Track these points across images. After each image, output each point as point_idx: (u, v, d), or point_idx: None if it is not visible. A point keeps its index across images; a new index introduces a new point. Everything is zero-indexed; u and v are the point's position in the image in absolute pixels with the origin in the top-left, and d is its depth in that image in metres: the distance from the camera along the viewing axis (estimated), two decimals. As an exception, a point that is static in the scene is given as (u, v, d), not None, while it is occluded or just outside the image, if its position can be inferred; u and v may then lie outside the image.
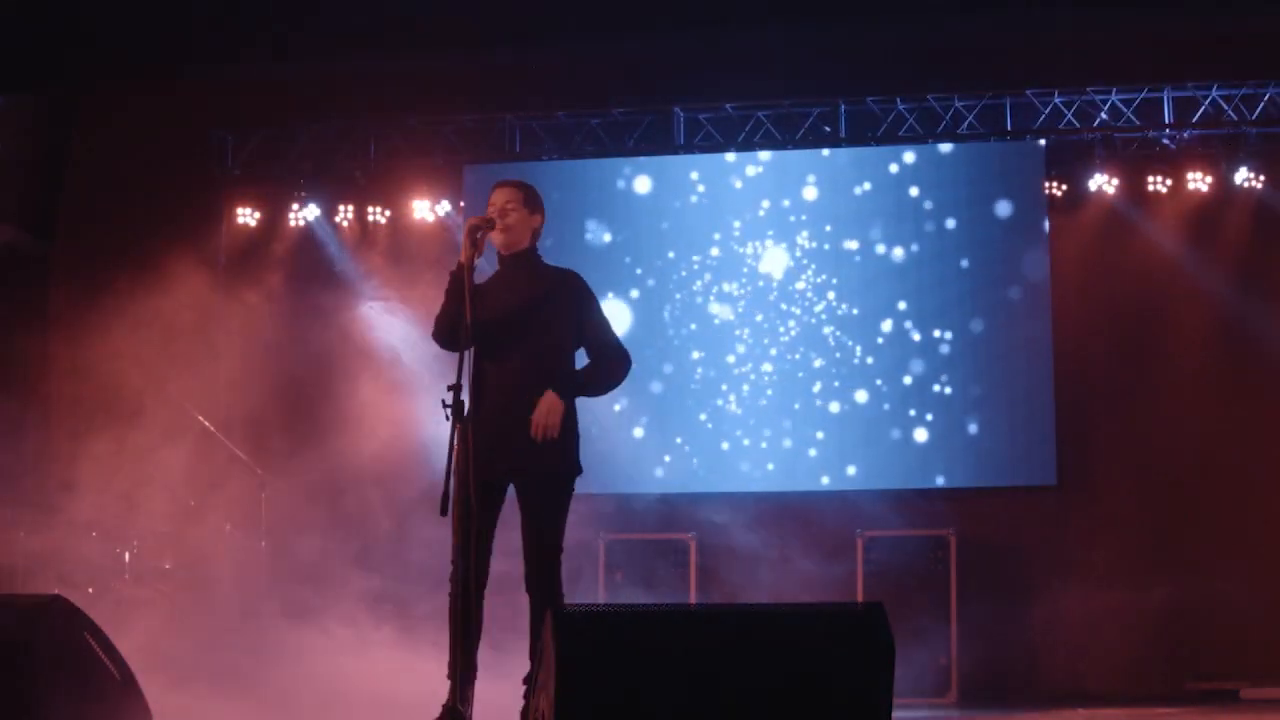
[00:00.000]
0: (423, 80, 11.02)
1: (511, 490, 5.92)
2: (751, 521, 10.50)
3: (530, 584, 5.83)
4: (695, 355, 10.84)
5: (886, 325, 10.62)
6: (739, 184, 10.94)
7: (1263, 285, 10.32)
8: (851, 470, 10.56)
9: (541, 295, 5.90)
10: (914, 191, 10.71)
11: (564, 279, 6.00)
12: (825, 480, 10.57)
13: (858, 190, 10.78)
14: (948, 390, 10.51)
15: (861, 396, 10.60)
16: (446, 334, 5.85)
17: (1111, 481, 10.36)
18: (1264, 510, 10.09)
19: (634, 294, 10.96)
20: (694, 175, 11.01)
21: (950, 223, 10.64)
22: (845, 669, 4.48)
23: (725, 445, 10.73)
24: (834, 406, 10.63)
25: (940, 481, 10.47)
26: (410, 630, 8.58)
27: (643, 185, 11.05)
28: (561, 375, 5.85)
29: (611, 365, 6.00)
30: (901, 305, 10.63)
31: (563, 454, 5.88)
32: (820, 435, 10.62)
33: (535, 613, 5.79)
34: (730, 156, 10.93)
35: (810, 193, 10.84)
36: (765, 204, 10.89)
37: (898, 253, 10.68)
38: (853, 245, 10.73)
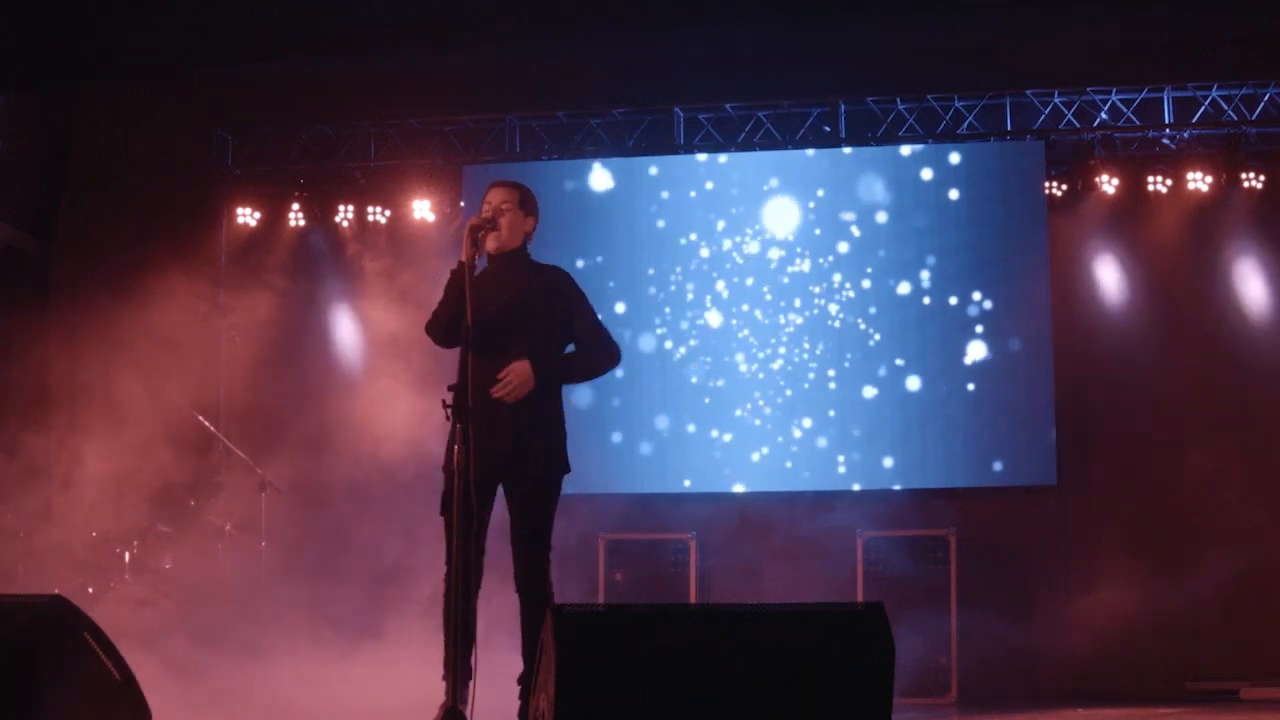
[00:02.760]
0: (423, 80, 11.02)
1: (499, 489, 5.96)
2: (752, 521, 10.51)
3: (520, 583, 5.87)
4: (694, 367, 10.83)
5: (884, 323, 10.61)
6: (710, 184, 10.92)
7: (1263, 285, 10.32)
8: (851, 472, 10.54)
9: (532, 295, 5.94)
10: (912, 193, 10.70)
11: (554, 277, 6.06)
12: (827, 480, 10.56)
13: (855, 181, 10.76)
14: (947, 390, 10.50)
15: (863, 396, 10.58)
16: (444, 331, 5.90)
17: (1111, 481, 10.36)
18: (1264, 510, 10.08)
19: (619, 306, 10.93)
20: (654, 170, 10.96)
21: (949, 223, 10.63)
22: (845, 669, 4.49)
23: (725, 446, 10.72)
24: (835, 408, 10.61)
25: (940, 482, 10.46)
26: (408, 631, 8.58)
27: (610, 197, 10.97)
28: (543, 363, 5.88)
29: (596, 353, 6.05)
30: (898, 306, 10.62)
31: (550, 453, 5.94)
32: (819, 435, 10.61)
33: (525, 612, 5.83)
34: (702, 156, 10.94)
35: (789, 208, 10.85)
36: (735, 192, 10.86)
37: (895, 255, 10.67)
38: (846, 235, 10.73)
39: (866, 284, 10.67)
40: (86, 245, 11.36)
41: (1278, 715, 8.52)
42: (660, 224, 10.93)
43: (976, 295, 10.53)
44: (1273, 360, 10.27)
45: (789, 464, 10.63)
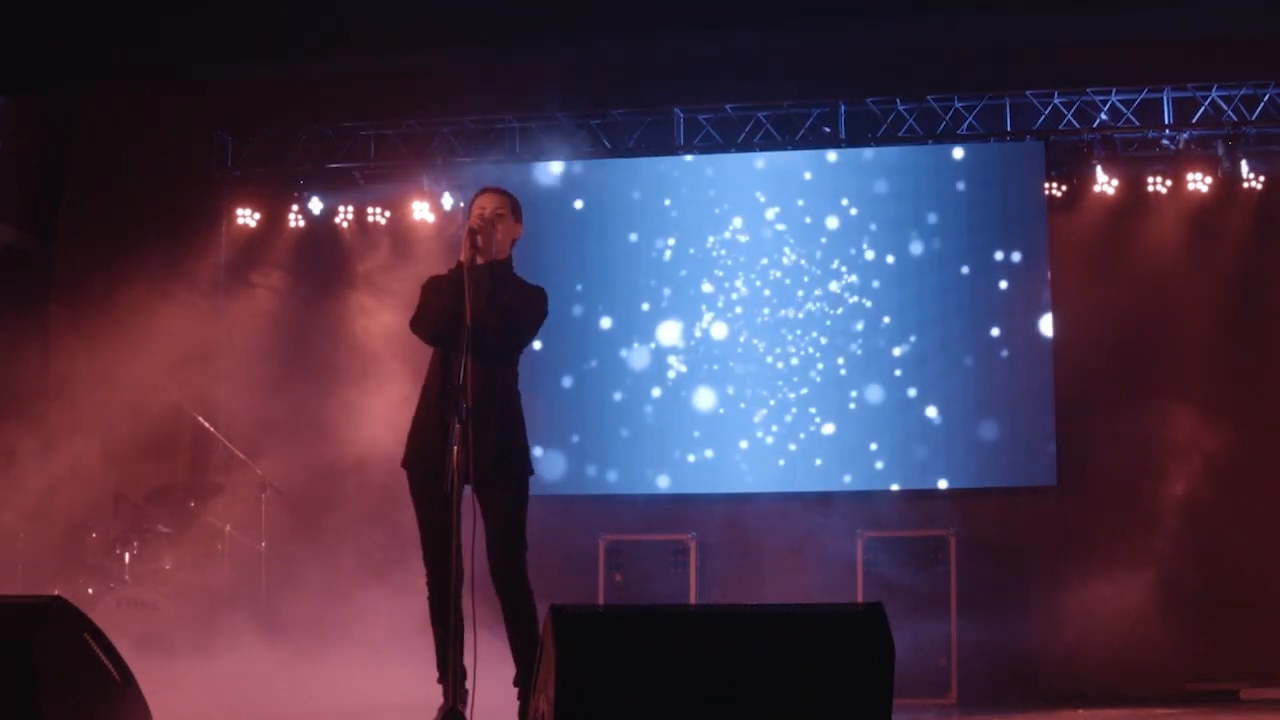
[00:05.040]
0: (423, 80, 11.02)
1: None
2: (751, 522, 10.51)
3: (497, 584, 5.88)
4: (690, 373, 10.84)
5: (883, 325, 10.61)
6: (684, 189, 10.90)
7: (1262, 285, 10.32)
8: (851, 473, 10.53)
9: (511, 306, 5.94)
10: (911, 193, 10.69)
11: (535, 299, 6.06)
12: (827, 480, 10.55)
13: (844, 201, 10.76)
14: (947, 391, 10.49)
15: (862, 397, 10.58)
16: (433, 327, 5.90)
17: (1111, 481, 10.35)
18: (1264, 510, 10.08)
19: (604, 322, 10.94)
20: (618, 174, 10.93)
21: (948, 225, 10.62)
22: (845, 669, 4.48)
23: (727, 446, 10.72)
24: (834, 408, 10.61)
25: (940, 482, 10.46)
26: (409, 632, 8.57)
27: (581, 212, 10.91)
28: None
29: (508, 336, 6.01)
30: (898, 306, 10.61)
31: (519, 455, 5.95)
32: (820, 436, 10.60)
33: (508, 614, 5.85)
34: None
35: (773, 213, 10.84)
36: (712, 190, 10.85)
37: (893, 257, 10.66)
38: (843, 239, 10.73)
39: (868, 285, 10.68)
40: (86, 245, 11.36)
41: (1277, 715, 8.51)
42: (633, 237, 10.92)
43: (976, 296, 10.53)
44: (1273, 361, 10.27)
45: (789, 465, 10.62)
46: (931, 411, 10.50)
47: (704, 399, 10.76)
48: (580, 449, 10.67)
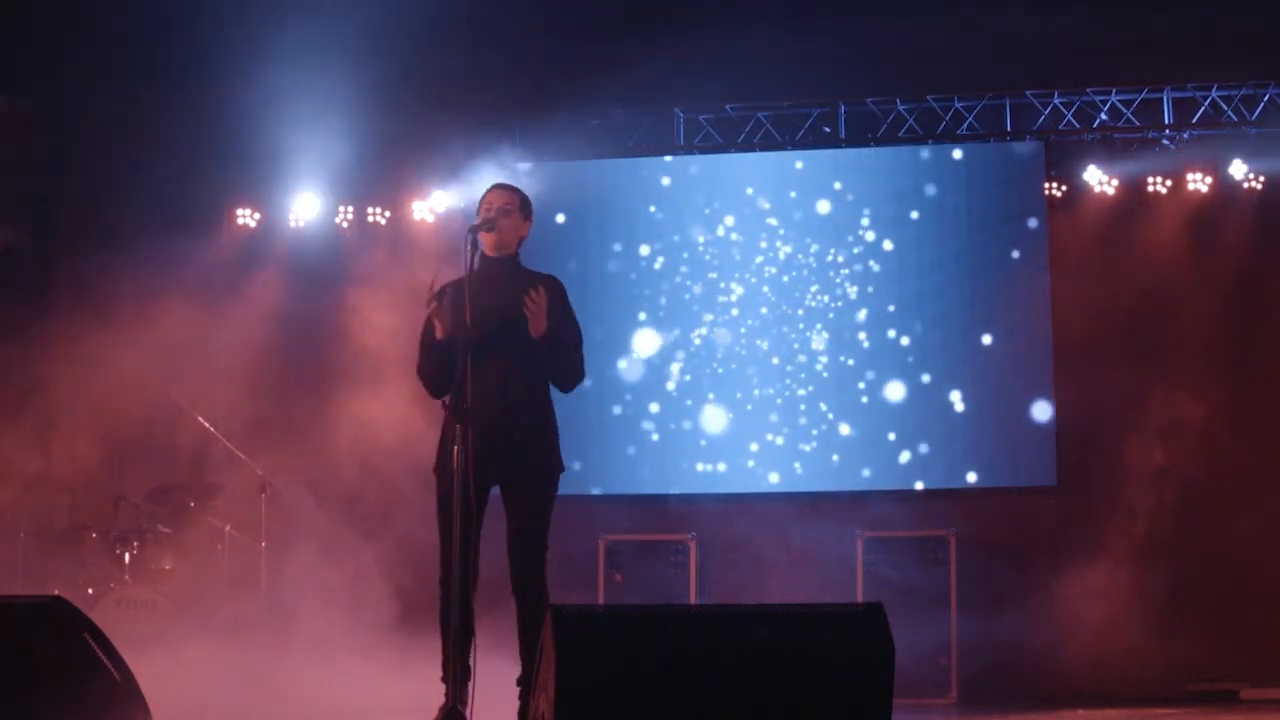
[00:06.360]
0: (422, 80, 11.01)
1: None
2: (751, 522, 10.50)
3: (516, 584, 5.87)
4: (683, 369, 10.84)
5: (883, 325, 10.61)
6: (673, 189, 10.90)
7: (1262, 285, 10.32)
8: (851, 471, 10.54)
9: (524, 300, 5.92)
10: (911, 194, 10.69)
11: (545, 283, 6.02)
12: (827, 480, 10.55)
13: (839, 186, 10.75)
14: (947, 390, 10.49)
15: (861, 397, 10.59)
16: (430, 384, 5.93)
17: (1111, 481, 10.34)
18: (1264, 510, 10.08)
19: (597, 331, 10.89)
20: (595, 177, 10.94)
21: (948, 225, 10.62)
22: (845, 669, 4.49)
23: (724, 448, 10.72)
24: (834, 408, 10.61)
25: (940, 482, 10.45)
26: (408, 632, 8.58)
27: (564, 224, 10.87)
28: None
29: (571, 366, 6.00)
30: (896, 306, 10.61)
31: (547, 453, 5.94)
32: (820, 436, 10.60)
33: (522, 613, 5.83)
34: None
35: (765, 204, 10.84)
36: (701, 191, 10.86)
37: (889, 245, 10.66)
38: (847, 246, 10.73)
39: (868, 287, 10.67)
40: (86, 245, 11.35)
41: (1278, 715, 8.52)
42: (618, 246, 10.92)
43: (977, 296, 10.53)
44: (1274, 361, 10.27)
45: (789, 464, 10.62)
46: (931, 411, 10.49)
47: (709, 404, 10.75)
48: (582, 475, 10.50)
